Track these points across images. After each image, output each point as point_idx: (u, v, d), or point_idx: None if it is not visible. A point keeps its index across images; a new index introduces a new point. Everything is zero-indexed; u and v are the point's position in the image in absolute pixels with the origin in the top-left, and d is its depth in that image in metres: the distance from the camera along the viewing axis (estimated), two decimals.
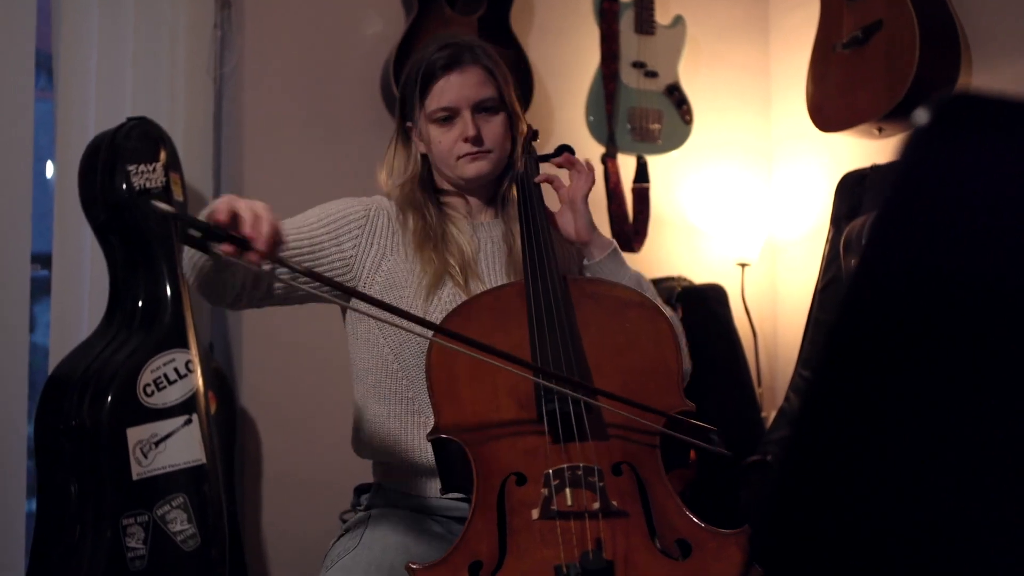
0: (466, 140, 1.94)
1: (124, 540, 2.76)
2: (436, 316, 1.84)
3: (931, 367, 0.68)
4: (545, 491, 1.59)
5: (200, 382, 2.94)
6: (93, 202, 2.95)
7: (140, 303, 2.94)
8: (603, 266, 1.96)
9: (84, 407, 2.78)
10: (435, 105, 1.96)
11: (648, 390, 1.75)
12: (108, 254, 2.99)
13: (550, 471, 1.60)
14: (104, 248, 3.00)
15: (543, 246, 1.87)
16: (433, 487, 1.86)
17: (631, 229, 3.81)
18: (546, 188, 2.02)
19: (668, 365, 1.79)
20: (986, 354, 0.67)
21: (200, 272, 1.75)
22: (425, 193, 2.02)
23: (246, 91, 3.42)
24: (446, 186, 2.05)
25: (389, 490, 1.96)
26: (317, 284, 1.77)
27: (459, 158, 1.96)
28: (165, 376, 2.88)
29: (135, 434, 2.80)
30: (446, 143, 1.96)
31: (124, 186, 2.91)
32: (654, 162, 3.87)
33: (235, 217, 1.52)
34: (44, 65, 3.27)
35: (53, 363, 3.02)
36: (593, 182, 2.00)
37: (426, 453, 1.81)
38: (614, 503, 1.59)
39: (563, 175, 2.03)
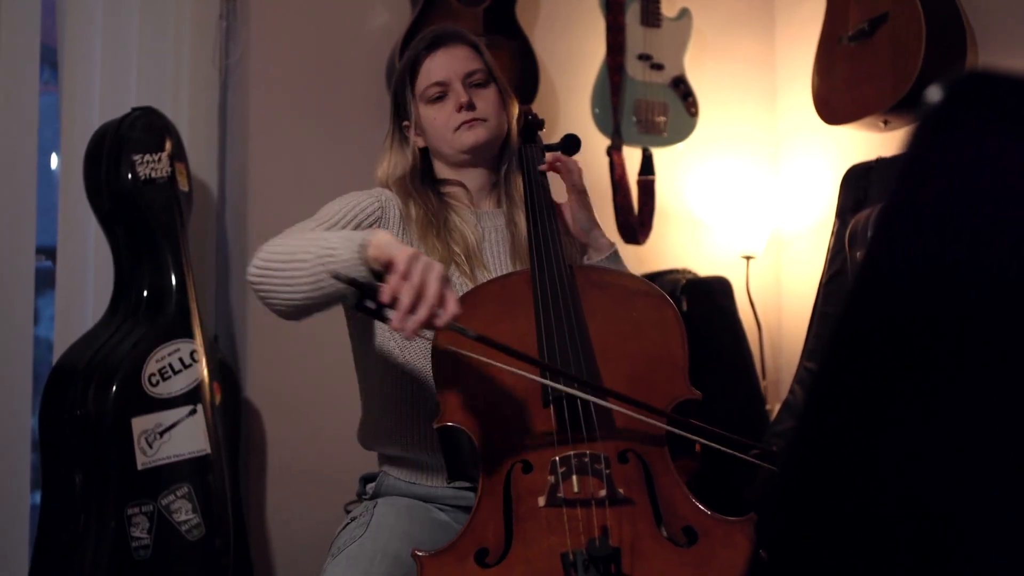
0: (460, 109, 1.96)
1: (129, 530, 2.76)
2: None
3: (937, 361, 0.67)
4: (551, 478, 1.58)
5: (205, 372, 2.94)
6: (98, 192, 2.95)
7: (145, 293, 2.94)
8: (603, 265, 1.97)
9: (89, 397, 2.78)
10: (426, 83, 1.99)
11: (654, 378, 1.75)
12: (113, 244, 3.00)
13: (556, 458, 1.60)
14: (109, 238, 3.00)
15: (549, 234, 1.86)
16: (439, 476, 1.86)
17: (636, 221, 3.81)
18: (553, 178, 2.02)
19: (674, 353, 1.79)
20: (994, 348, 0.67)
21: (309, 312, 1.71)
22: (424, 183, 2.02)
23: (251, 82, 3.42)
24: (446, 174, 2.05)
25: (395, 479, 1.96)
26: None
27: (456, 130, 1.97)
28: (170, 366, 2.88)
29: (140, 424, 2.81)
30: (441, 118, 1.98)
31: (129, 176, 2.91)
32: (659, 154, 3.87)
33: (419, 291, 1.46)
34: (47, 59, 3.27)
35: (57, 355, 3.02)
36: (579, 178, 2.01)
37: (432, 441, 1.80)
38: (620, 491, 1.58)
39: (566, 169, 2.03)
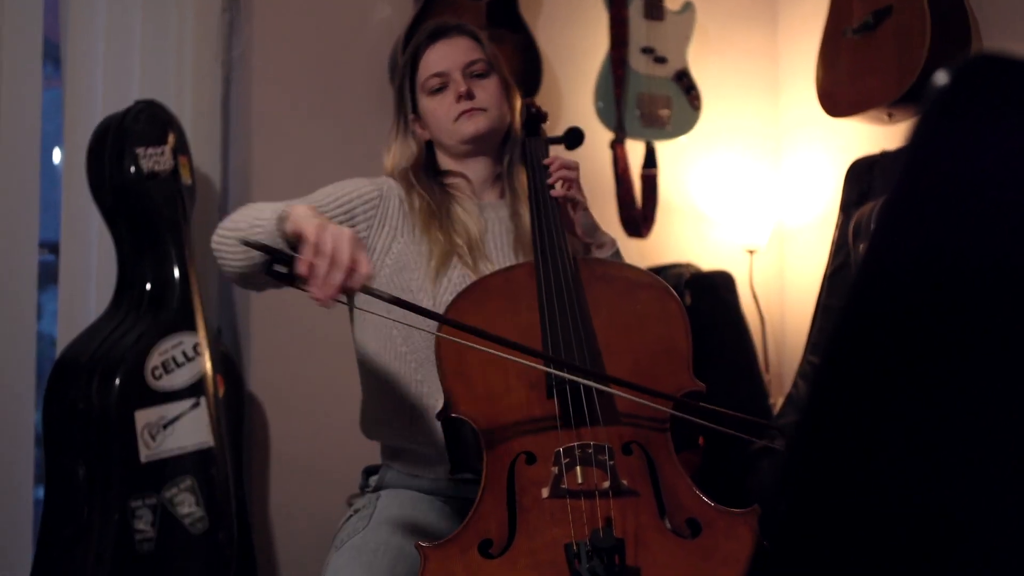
0: (459, 99, 1.95)
1: (132, 523, 2.76)
2: (446, 298, 1.84)
3: (941, 351, 0.67)
4: (555, 469, 1.58)
5: (208, 365, 2.94)
6: (101, 185, 2.95)
7: (148, 286, 2.94)
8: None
9: (92, 390, 2.78)
10: (426, 74, 2.00)
11: (658, 370, 1.75)
12: (116, 238, 3.00)
13: (560, 449, 1.60)
14: (112, 232, 3.00)
15: (553, 227, 1.86)
16: (442, 467, 1.86)
17: (639, 215, 3.80)
18: None
19: (678, 345, 1.79)
20: (997, 337, 0.66)
21: (250, 280, 1.74)
22: (428, 175, 2.02)
23: (254, 76, 3.42)
24: (449, 165, 2.05)
25: (397, 471, 1.96)
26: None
27: (456, 119, 1.97)
28: (173, 359, 2.88)
29: (143, 417, 2.81)
30: (442, 109, 1.98)
31: (132, 169, 2.91)
32: (663, 148, 3.86)
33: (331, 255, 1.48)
34: (50, 53, 3.27)
35: (60, 349, 3.02)
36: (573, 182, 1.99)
37: (435, 432, 1.80)
38: (624, 482, 1.58)
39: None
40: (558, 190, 1.93)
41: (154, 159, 2.94)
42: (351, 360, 2.06)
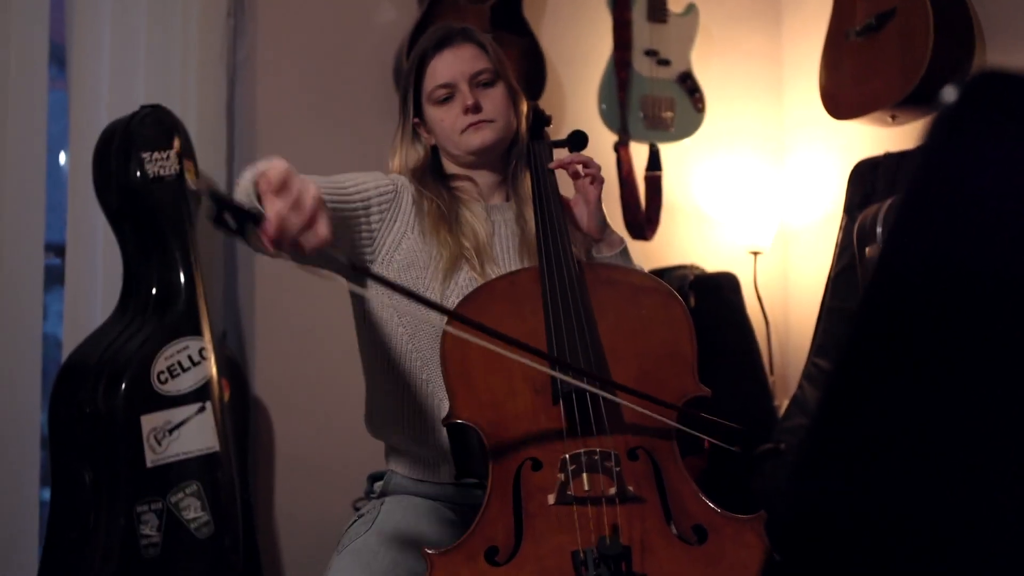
0: (466, 112, 1.95)
1: (138, 527, 2.77)
2: (452, 301, 1.84)
3: (953, 358, 0.67)
4: (561, 476, 1.58)
5: (214, 369, 2.94)
6: (107, 189, 2.96)
7: (154, 290, 2.95)
8: (612, 262, 1.97)
9: (98, 394, 2.78)
10: (432, 84, 1.98)
11: (663, 375, 1.75)
12: (121, 241, 3.00)
13: (566, 456, 1.60)
14: (117, 235, 3.00)
15: (558, 232, 1.86)
16: (447, 472, 1.86)
17: (643, 217, 3.80)
18: (560, 173, 2.02)
19: (683, 350, 1.79)
20: (1006, 346, 0.66)
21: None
22: (436, 179, 2.02)
23: (259, 79, 3.43)
24: (455, 170, 2.05)
25: (402, 476, 1.96)
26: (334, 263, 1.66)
27: (463, 131, 1.96)
28: (179, 363, 2.88)
29: (149, 421, 2.81)
30: (448, 120, 1.97)
31: (138, 173, 2.91)
32: (666, 150, 3.86)
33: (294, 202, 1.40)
34: (55, 56, 3.27)
35: (66, 352, 3.03)
36: (603, 181, 1.99)
37: (439, 433, 1.80)
38: (630, 488, 1.59)
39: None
40: (555, 164, 1.97)
41: (160, 163, 2.94)
42: (356, 364, 2.07)
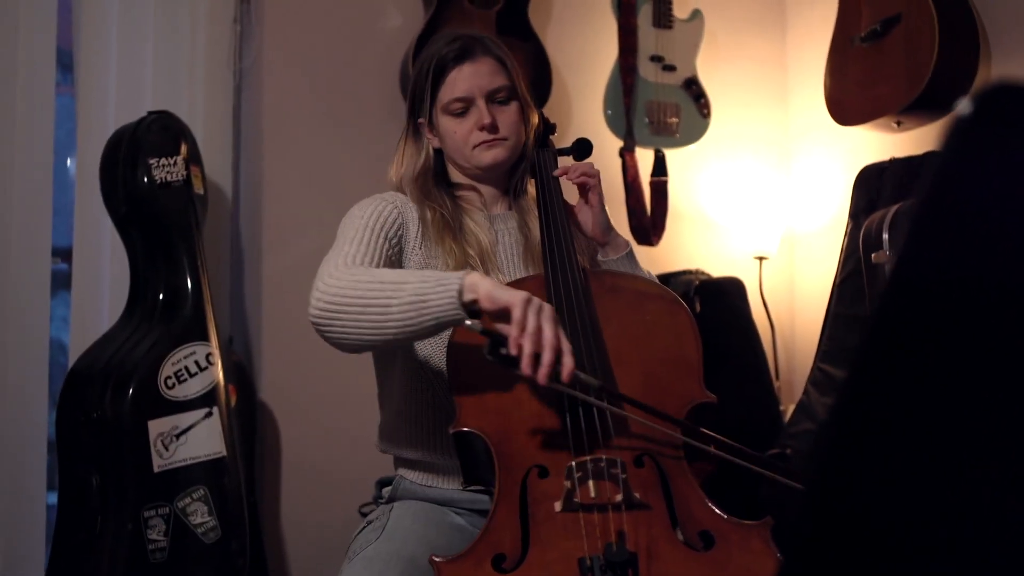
0: (482, 128, 1.95)
1: (145, 532, 2.77)
2: None
3: (970, 368, 0.67)
4: (568, 483, 1.59)
5: (220, 374, 2.95)
6: (114, 194, 2.97)
7: (161, 296, 2.96)
8: (617, 266, 1.97)
9: (106, 399, 2.79)
10: (449, 96, 1.96)
11: (669, 381, 1.75)
12: (129, 247, 3.01)
13: (573, 463, 1.60)
14: (125, 241, 3.01)
15: (563, 240, 1.86)
16: (455, 480, 1.86)
17: (649, 223, 3.81)
18: (565, 183, 2.02)
19: (688, 357, 1.79)
20: (1017, 355, 0.67)
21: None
22: (439, 186, 2.02)
23: (265, 85, 3.44)
24: (460, 179, 2.05)
25: (410, 482, 1.97)
26: None
27: (475, 147, 1.96)
28: (186, 369, 2.89)
29: (156, 426, 2.82)
30: (461, 133, 1.97)
31: (145, 179, 2.93)
32: (672, 156, 3.87)
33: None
34: (62, 61, 3.29)
35: (73, 357, 3.04)
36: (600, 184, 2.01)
37: (449, 447, 1.81)
38: (637, 495, 1.59)
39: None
40: (559, 171, 1.98)
41: (167, 169, 2.95)
42: (362, 369, 2.07)
